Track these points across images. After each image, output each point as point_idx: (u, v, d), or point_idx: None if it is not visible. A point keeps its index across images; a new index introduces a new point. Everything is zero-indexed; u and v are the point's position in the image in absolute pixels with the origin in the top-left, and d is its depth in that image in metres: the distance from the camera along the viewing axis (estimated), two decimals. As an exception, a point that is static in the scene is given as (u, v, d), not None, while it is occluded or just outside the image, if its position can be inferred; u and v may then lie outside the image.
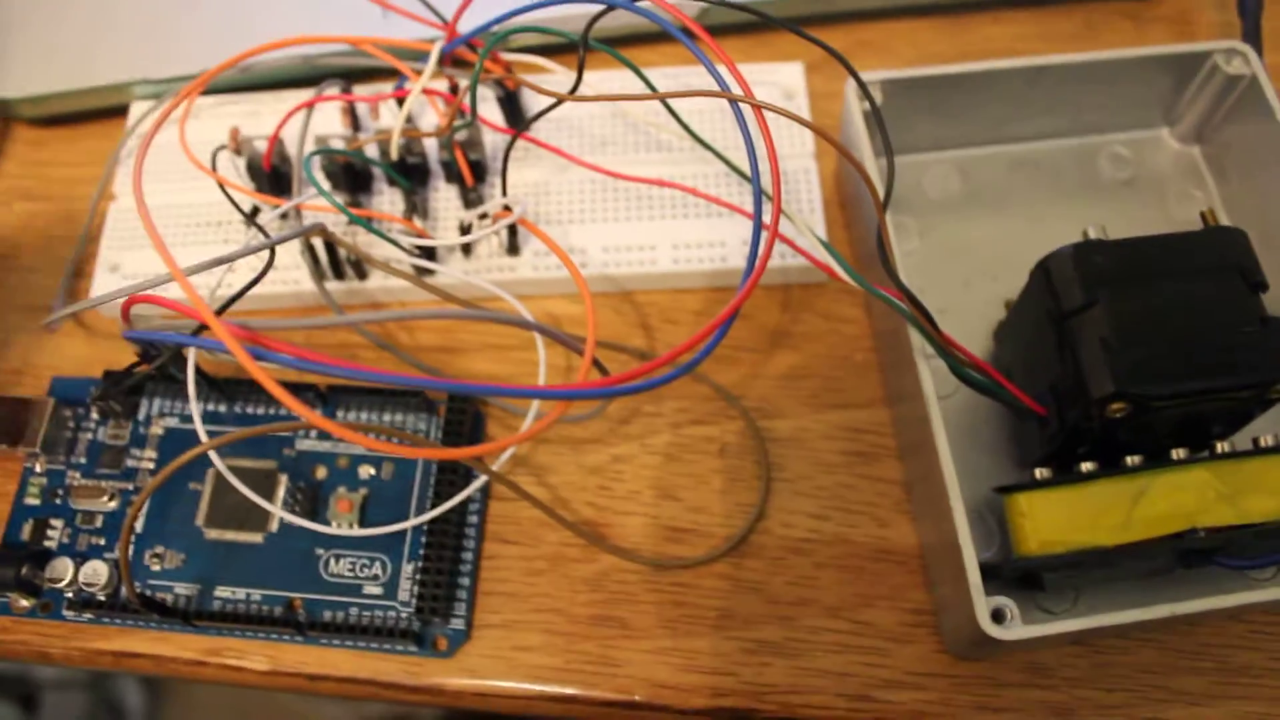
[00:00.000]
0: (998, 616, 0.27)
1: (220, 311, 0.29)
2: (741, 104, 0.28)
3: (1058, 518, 0.29)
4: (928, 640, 0.31)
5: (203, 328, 0.26)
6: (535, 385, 0.32)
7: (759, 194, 0.28)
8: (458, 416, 0.33)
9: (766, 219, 0.33)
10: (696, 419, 0.34)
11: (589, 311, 0.27)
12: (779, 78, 0.38)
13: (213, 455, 0.30)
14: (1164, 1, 0.42)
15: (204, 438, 0.29)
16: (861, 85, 0.31)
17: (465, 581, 0.32)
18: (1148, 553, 0.28)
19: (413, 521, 0.32)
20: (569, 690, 0.31)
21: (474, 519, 0.33)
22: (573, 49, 0.37)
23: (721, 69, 0.30)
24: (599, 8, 0.31)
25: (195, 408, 0.30)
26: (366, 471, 0.33)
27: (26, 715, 0.73)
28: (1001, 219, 0.37)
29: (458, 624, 0.32)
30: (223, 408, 0.35)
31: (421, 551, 0.32)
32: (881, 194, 0.31)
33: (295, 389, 0.34)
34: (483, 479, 0.32)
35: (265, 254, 0.33)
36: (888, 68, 0.34)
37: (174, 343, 0.29)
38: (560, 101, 0.31)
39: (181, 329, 0.28)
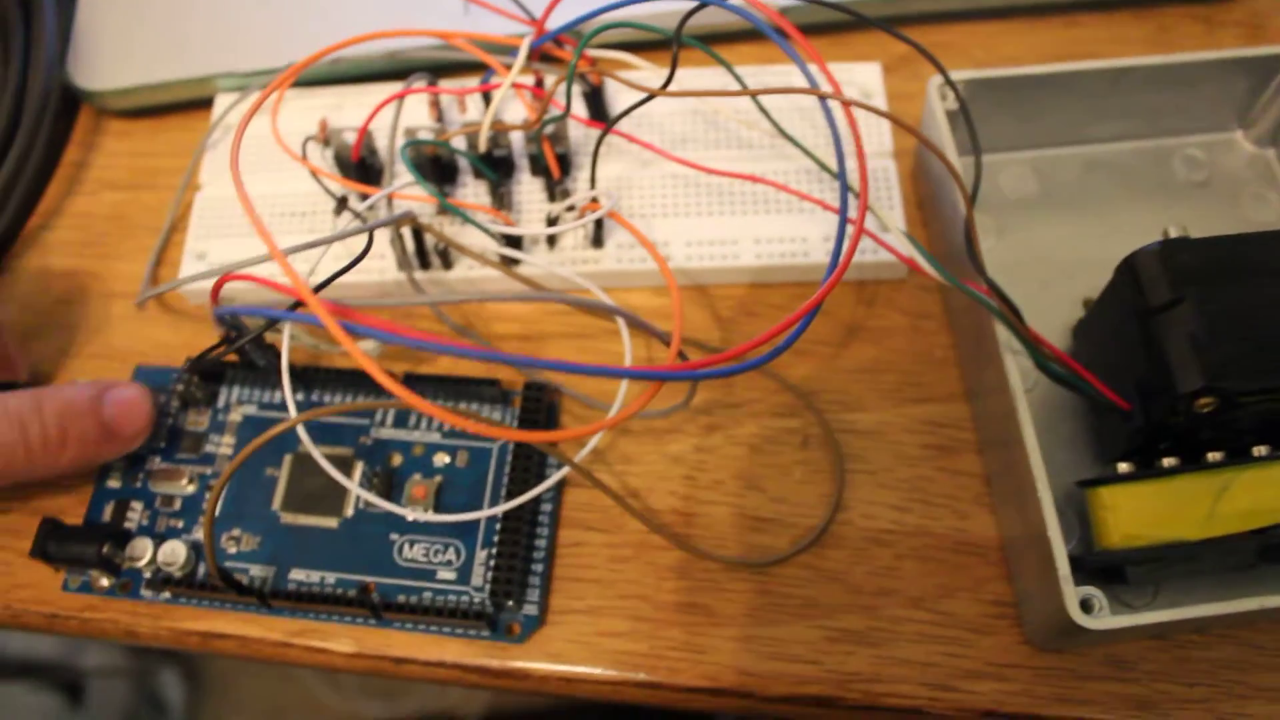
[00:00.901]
0: (1086, 606, 0.28)
1: (316, 291, 0.30)
2: (829, 102, 0.28)
3: (1140, 511, 0.29)
4: (1009, 631, 0.32)
5: (296, 305, 0.26)
6: (624, 365, 0.33)
7: (845, 189, 0.28)
8: (533, 405, 0.34)
9: (851, 215, 0.34)
10: (778, 411, 0.35)
11: (675, 301, 0.27)
12: (856, 77, 0.38)
13: (300, 430, 0.31)
14: (1236, 5, 0.42)
15: (293, 412, 0.29)
16: (950, 83, 0.31)
17: (539, 568, 0.33)
18: (1230, 547, 0.29)
19: (486, 512, 0.32)
20: (654, 676, 0.31)
21: (548, 506, 0.33)
22: (655, 45, 0.38)
23: (812, 67, 0.31)
24: (689, 5, 0.31)
25: (287, 387, 0.30)
26: (441, 459, 0.34)
27: (72, 704, 0.74)
28: (1077, 219, 0.37)
29: (531, 610, 0.32)
30: (299, 395, 0.35)
31: (495, 538, 0.32)
32: (968, 192, 0.31)
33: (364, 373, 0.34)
34: (564, 470, 0.33)
35: (355, 242, 0.34)
36: (960, 68, 0.34)
37: (265, 316, 0.29)
38: (652, 96, 0.31)
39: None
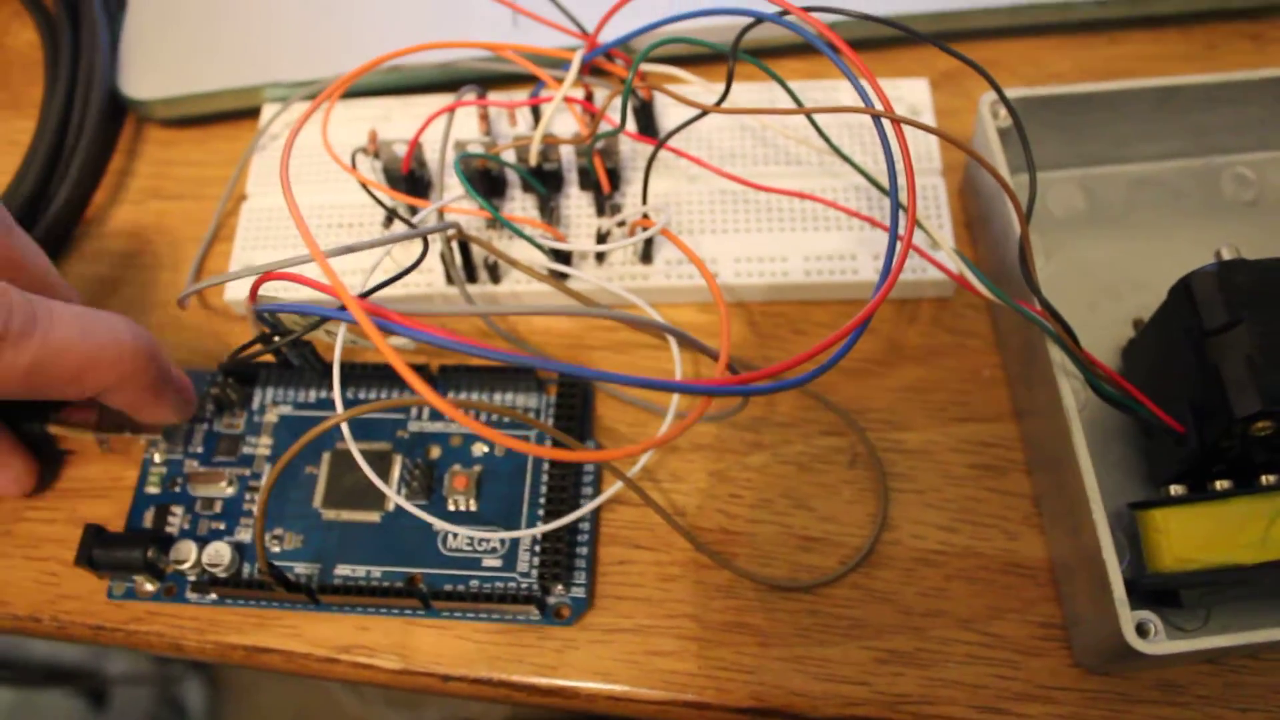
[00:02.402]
0: (1142, 631, 0.28)
1: (363, 298, 0.30)
2: (882, 119, 0.28)
3: (1194, 534, 0.29)
4: (1058, 654, 0.31)
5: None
6: (671, 379, 0.33)
7: (896, 205, 0.28)
8: (568, 398, 0.34)
9: (900, 232, 0.34)
10: (825, 430, 0.35)
11: (723, 317, 0.27)
12: (904, 93, 0.38)
13: (344, 428, 0.31)
14: (1287, 22, 0.42)
15: (340, 408, 0.29)
16: (1006, 101, 0.31)
17: (584, 550, 0.33)
18: (1285, 572, 0.29)
19: (527, 531, 0.32)
20: (703, 696, 0.31)
21: (589, 490, 0.34)
22: (706, 60, 0.38)
23: (863, 84, 0.31)
24: (740, 19, 0.31)
25: (337, 385, 0.30)
26: (480, 449, 0.34)
27: (96, 709, 0.74)
28: (1125, 238, 0.37)
29: (579, 592, 0.32)
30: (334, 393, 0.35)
31: (540, 523, 0.33)
32: (1022, 211, 0.31)
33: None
34: (616, 486, 0.33)
35: (403, 256, 0.34)
36: (1007, 85, 0.34)
37: (306, 313, 0.29)
38: (705, 113, 0.31)
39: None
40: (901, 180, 0.33)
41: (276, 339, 0.30)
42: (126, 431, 0.35)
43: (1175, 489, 0.30)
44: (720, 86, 0.35)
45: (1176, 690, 0.31)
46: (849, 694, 0.31)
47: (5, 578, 0.34)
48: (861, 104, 0.29)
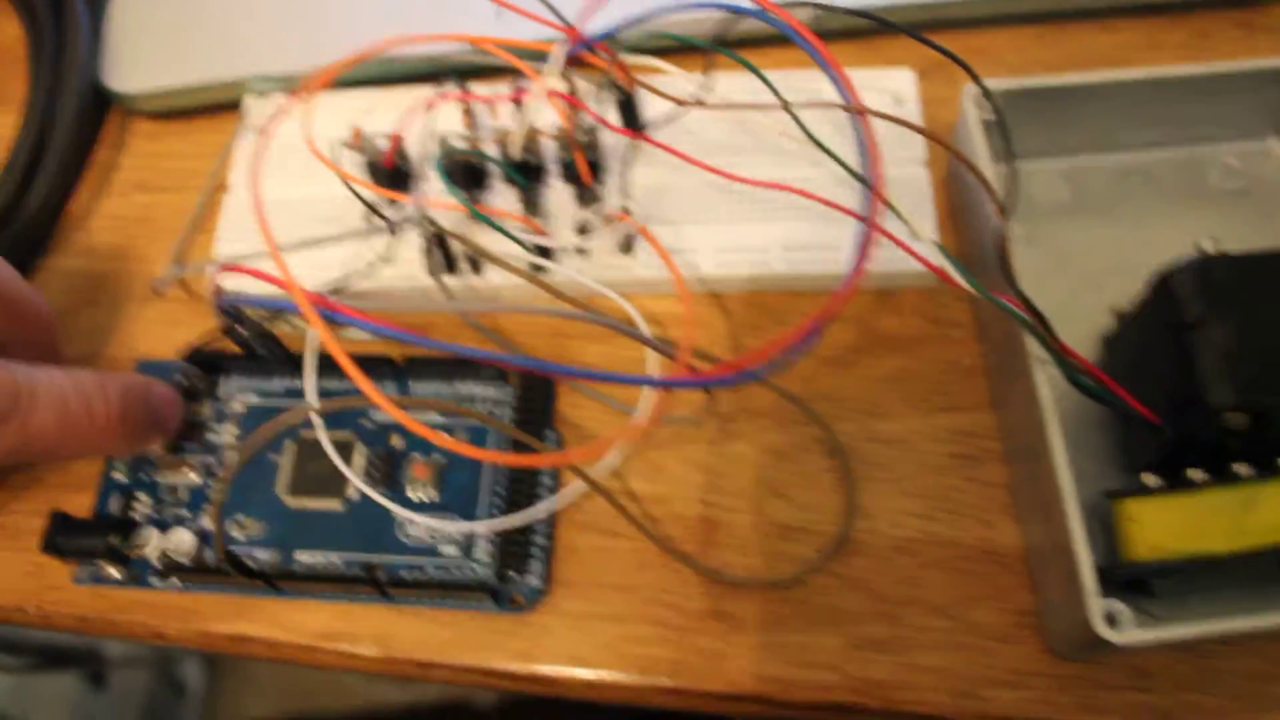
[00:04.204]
0: (1111, 620, 0.28)
1: (332, 293, 0.30)
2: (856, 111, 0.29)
3: (1167, 524, 0.29)
4: (1031, 641, 0.32)
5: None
6: (622, 371, 0.33)
7: (867, 199, 0.28)
8: (530, 391, 0.35)
9: (888, 226, 0.34)
10: (805, 419, 0.35)
11: (687, 310, 0.28)
12: (889, 84, 0.38)
13: (315, 417, 0.31)
14: (1278, 9, 0.42)
15: (313, 399, 0.30)
16: (987, 94, 0.31)
17: (541, 541, 0.33)
18: (1258, 561, 0.29)
19: (484, 523, 0.33)
20: (678, 682, 0.32)
21: (548, 480, 0.34)
22: (688, 50, 0.38)
23: (853, 71, 0.31)
24: (718, 13, 0.31)
25: (310, 376, 0.30)
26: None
27: (95, 690, 0.75)
28: (1109, 227, 0.37)
29: (534, 581, 0.33)
30: (299, 383, 0.36)
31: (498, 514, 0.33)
32: (1002, 202, 0.31)
33: (373, 360, 0.35)
34: (578, 485, 0.33)
35: (391, 248, 0.34)
36: (994, 75, 0.34)
37: (265, 306, 0.30)
38: (691, 105, 0.31)
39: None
40: (888, 172, 0.33)
41: (238, 329, 0.30)
42: None
43: (1150, 479, 0.30)
44: (698, 77, 0.35)
45: (1148, 677, 0.31)
46: (823, 680, 0.31)
47: (-9, 570, 0.35)
48: (838, 96, 0.29)
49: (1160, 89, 0.35)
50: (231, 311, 0.30)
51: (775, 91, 0.33)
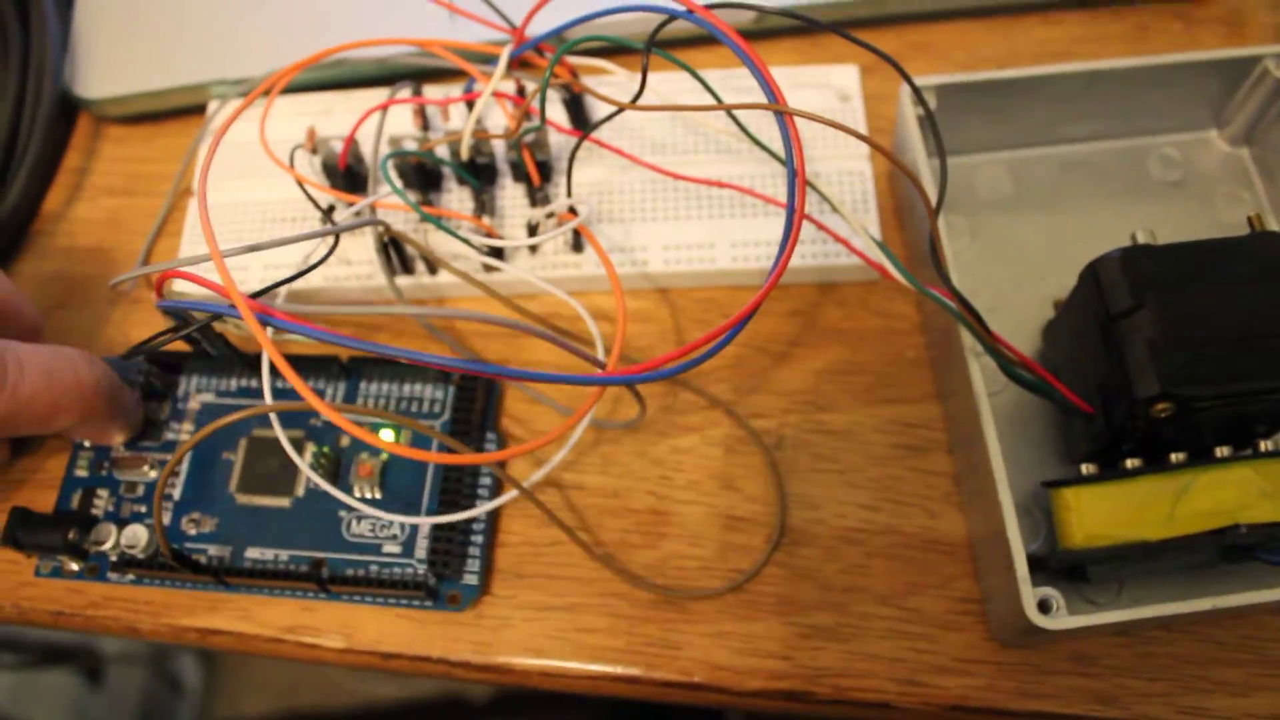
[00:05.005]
0: (1044, 607, 0.29)
1: (260, 294, 0.31)
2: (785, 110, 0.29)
3: (1103, 512, 0.30)
4: (975, 628, 0.32)
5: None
6: (541, 370, 0.34)
7: (792, 196, 0.29)
8: (468, 391, 0.35)
9: (830, 221, 0.35)
10: (753, 412, 0.35)
11: (620, 307, 0.28)
12: (834, 80, 0.39)
13: (272, 416, 0.32)
14: (1215, 2, 0.42)
15: (269, 398, 0.30)
16: (916, 90, 0.32)
17: (479, 539, 0.34)
18: (1190, 547, 0.29)
19: (426, 519, 0.33)
20: (632, 671, 0.32)
21: (486, 480, 0.35)
22: (634, 51, 0.38)
23: (790, 70, 0.31)
24: (657, 16, 0.32)
25: (266, 376, 0.31)
26: (387, 436, 0.35)
27: (92, 688, 0.76)
28: (1051, 219, 0.38)
29: (471, 579, 0.33)
30: (254, 383, 0.37)
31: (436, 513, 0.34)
32: (934, 198, 0.32)
33: (321, 360, 0.36)
34: (512, 493, 0.34)
35: (348, 249, 0.35)
36: (939, 69, 0.35)
37: (197, 310, 0.30)
38: (621, 110, 0.32)
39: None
40: (826, 167, 0.34)
41: (192, 331, 0.31)
42: None
43: (1086, 468, 0.31)
44: (640, 77, 0.35)
45: (1089, 661, 0.32)
46: (772, 668, 0.32)
47: (-35, 568, 0.35)
48: (768, 96, 0.30)
49: (1096, 83, 0.36)
50: (177, 314, 0.31)
51: (709, 88, 0.33)
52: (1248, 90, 0.37)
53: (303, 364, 0.37)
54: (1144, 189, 0.38)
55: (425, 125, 0.39)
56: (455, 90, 0.38)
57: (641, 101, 0.33)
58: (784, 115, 0.30)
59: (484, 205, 0.37)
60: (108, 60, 0.42)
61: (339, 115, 0.40)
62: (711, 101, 0.33)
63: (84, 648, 0.77)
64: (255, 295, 0.30)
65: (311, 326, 0.24)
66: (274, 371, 0.36)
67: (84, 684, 0.75)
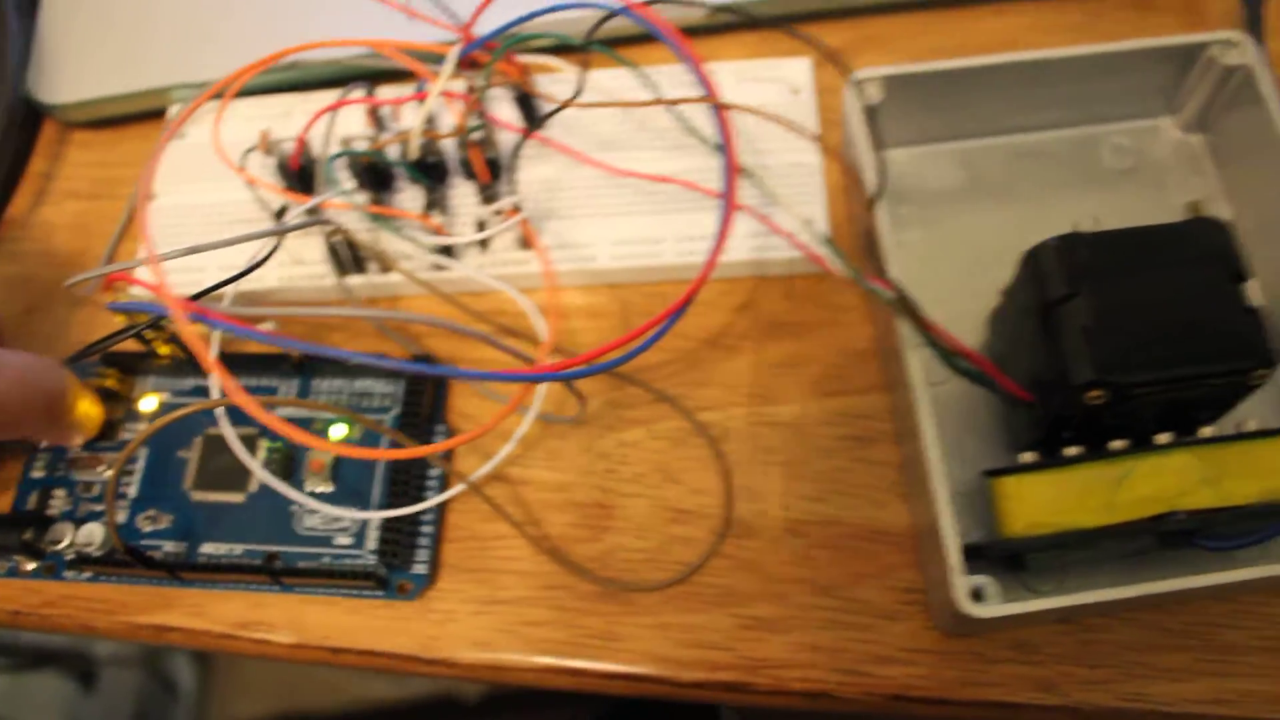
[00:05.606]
0: (977, 595, 0.29)
1: (202, 294, 0.31)
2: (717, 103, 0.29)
3: (1043, 500, 0.30)
4: (918, 617, 0.33)
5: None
6: (490, 370, 0.34)
7: (728, 190, 0.29)
8: (416, 386, 0.36)
9: (775, 213, 0.35)
10: (702, 406, 0.36)
11: (551, 302, 0.29)
12: (785, 73, 0.39)
13: (219, 412, 0.33)
14: (1166, -11, 0.42)
15: (216, 395, 0.31)
16: (854, 84, 0.32)
17: (428, 530, 0.34)
18: (1129, 534, 0.29)
19: (376, 514, 0.34)
20: (575, 663, 0.33)
21: (435, 470, 0.35)
22: (579, 48, 0.39)
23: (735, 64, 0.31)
24: (599, 13, 0.32)
25: (214, 373, 0.31)
26: (339, 431, 0.36)
27: (85, 691, 0.77)
28: (1003, 209, 0.38)
29: (420, 569, 0.34)
30: (205, 381, 0.37)
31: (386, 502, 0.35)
32: (872, 189, 0.32)
33: (273, 359, 0.37)
34: (459, 487, 0.34)
35: (301, 249, 0.35)
36: (892, 61, 0.35)
37: (136, 310, 0.31)
38: (564, 106, 0.32)
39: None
40: (777, 160, 0.34)
41: (133, 332, 0.32)
42: None
43: (1026, 456, 0.31)
44: (592, 74, 0.36)
45: (1030, 649, 0.32)
46: (714, 659, 0.32)
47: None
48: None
49: (1043, 72, 0.36)
50: (129, 315, 0.31)
51: (651, 84, 0.34)
52: (1197, 77, 0.36)
53: (255, 362, 0.37)
54: (1096, 177, 0.38)
55: (380, 125, 0.39)
56: (407, 91, 0.39)
57: (584, 98, 0.34)
58: (717, 108, 0.30)
59: (435, 204, 0.37)
60: (71, 65, 0.42)
61: (297, 117, 0.40)
62: (644, 96, 0.33)
63: (76, 650, 0.77)
64: (197, 297, 0.31)
65: (244, 326, 0.24)
66: (233, 370, 0.36)
67: (77, 687, 0.76)
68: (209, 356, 0.24)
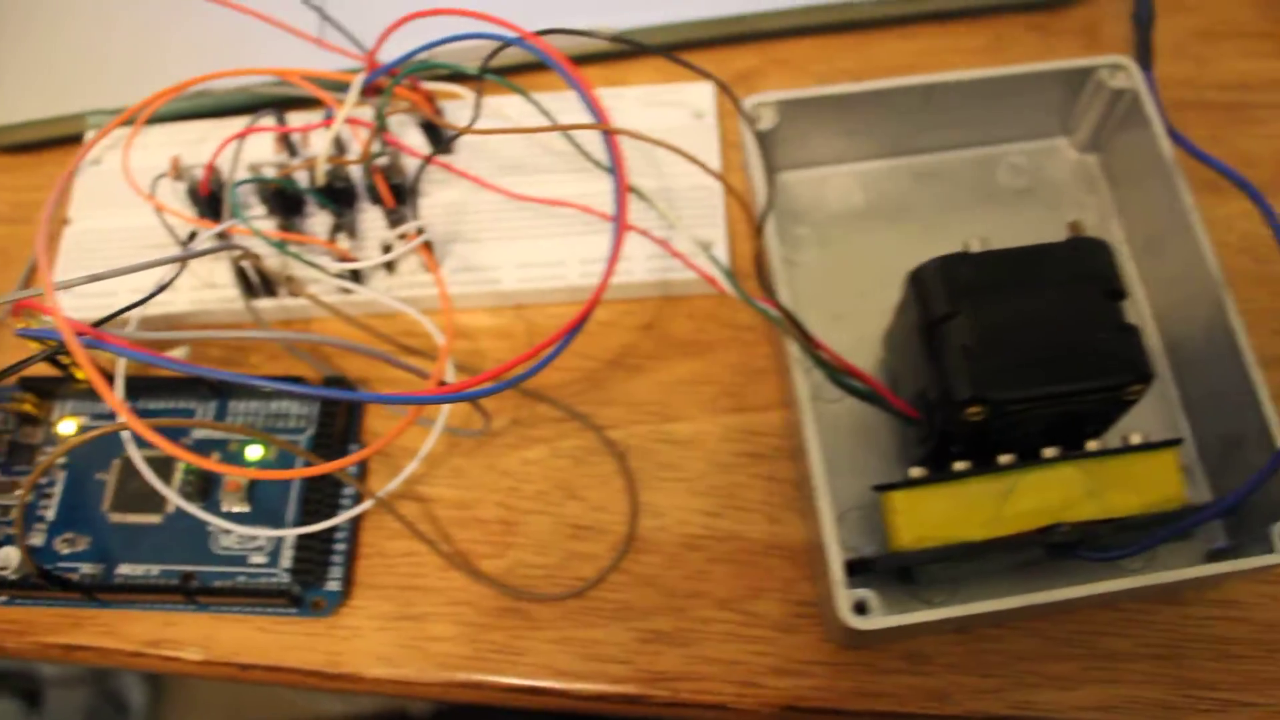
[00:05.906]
0: (861, 608, 0.29)
1: (104, 320, 0.31)
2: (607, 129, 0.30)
3: (931, 514, 0.31)
4: (813, 630, 0.33)
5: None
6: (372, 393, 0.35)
7: (619, 212, 0.30)
8: (330, 407, 0.37)
9: (674, 236, 0.36)
10: (606, 424, 0.36)
11: (447, 324, 0.29)
12: (688, 98, 0.40)
13: (125, 436, 0.33)
14: (1071, 14, 0.43)
15: (124, 417, 0.31)
16: (743, 112, 0.33)
17: (340, 547, 0.35)
18: (1016, 546, 0.30)
19: (291, 531, 0.34)
20: (476, 677, 0.33)
21: (349, 490, 0.36)
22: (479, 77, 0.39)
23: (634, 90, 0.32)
24: (494, 44, 0.33)
25: (119, 394, 0.32)
26: (254, 453, 0.36)
27: (30, 711, 0.76)
28: (901, 229, 0.38)
29: (334, 585, 0.35)
30: (129, 403, 0.38)
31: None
32: (761, 210, 0.33)
33: (188, 382, 0.37)
34: (369, 502, 0.35)
35: (213, 274, 0.36)
36: (798, 83, 0.36)
37: (38, 336, 0.31)
38: (461, 133, 0.33)
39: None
40: (680, 183, 0.35)
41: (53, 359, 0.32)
42: None
43: (915, 471, 0.31)
44: (495, 101, 0.37)
45: (922, 660, 0.33)
46: (613, 672, 0.33)
47: None
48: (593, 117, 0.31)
49: (941, 95, 0.37)
50: (28, 337, 0.32)
51: (544, 110, 0.34)
52: (1088, 100, 0.37)
53: (172, 386, 0.38)
54: (993, 197, 0.39)
55: (293, 151, 0.39)
56: (316, 118, 0.39)
57: (486, 125, 0.35)
58: (607, 134, 0.31)
59: (342, 229, 0.38)
60: (-9, 91, 0.43)
61: (212, 143, 0.40)
62: (546, 123, 0.34)
63: (20, 671, 0.77)
64: (100, 323, 0.31)
65: (145, 351, 0.25)
66: (151, 393, 0.37)
67: (21, 708, 0.75)
68: (100, 382, 0.24)
